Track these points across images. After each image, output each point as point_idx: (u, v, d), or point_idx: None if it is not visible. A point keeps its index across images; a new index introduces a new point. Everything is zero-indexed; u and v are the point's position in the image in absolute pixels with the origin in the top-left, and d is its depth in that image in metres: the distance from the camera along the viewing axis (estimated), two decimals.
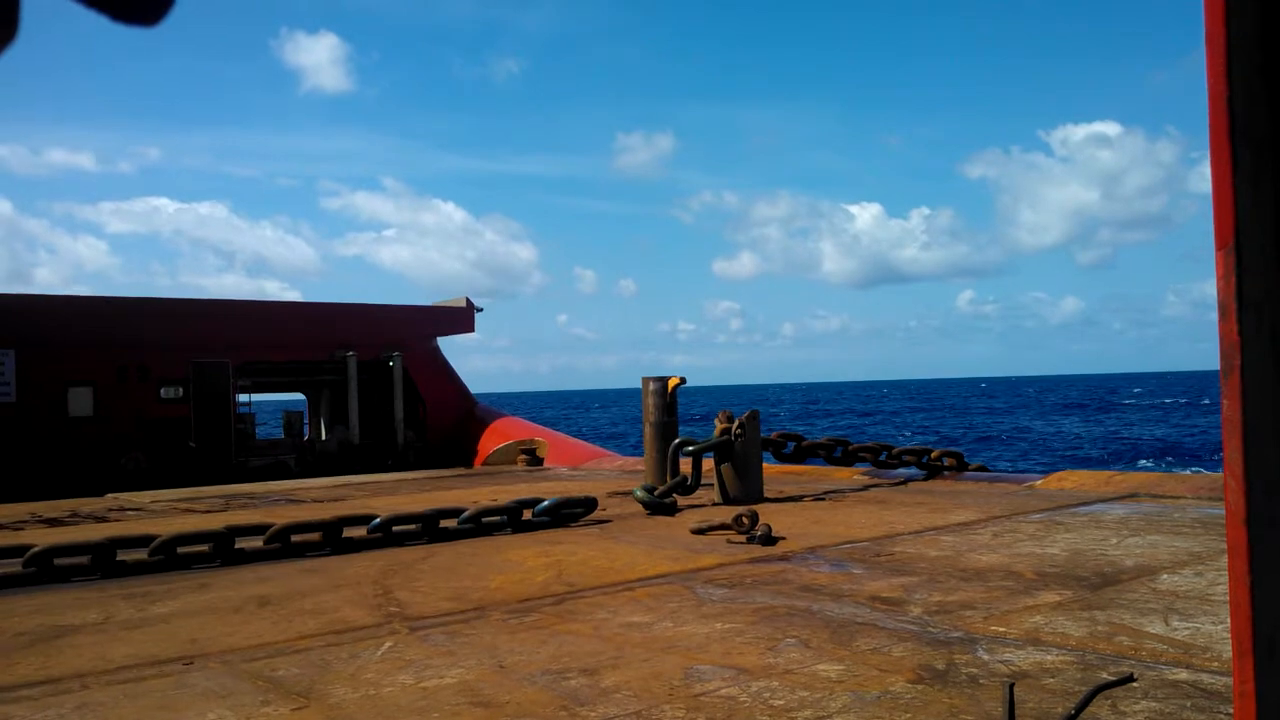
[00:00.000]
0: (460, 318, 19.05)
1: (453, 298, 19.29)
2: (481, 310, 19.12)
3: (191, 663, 4.16)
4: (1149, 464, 39.03)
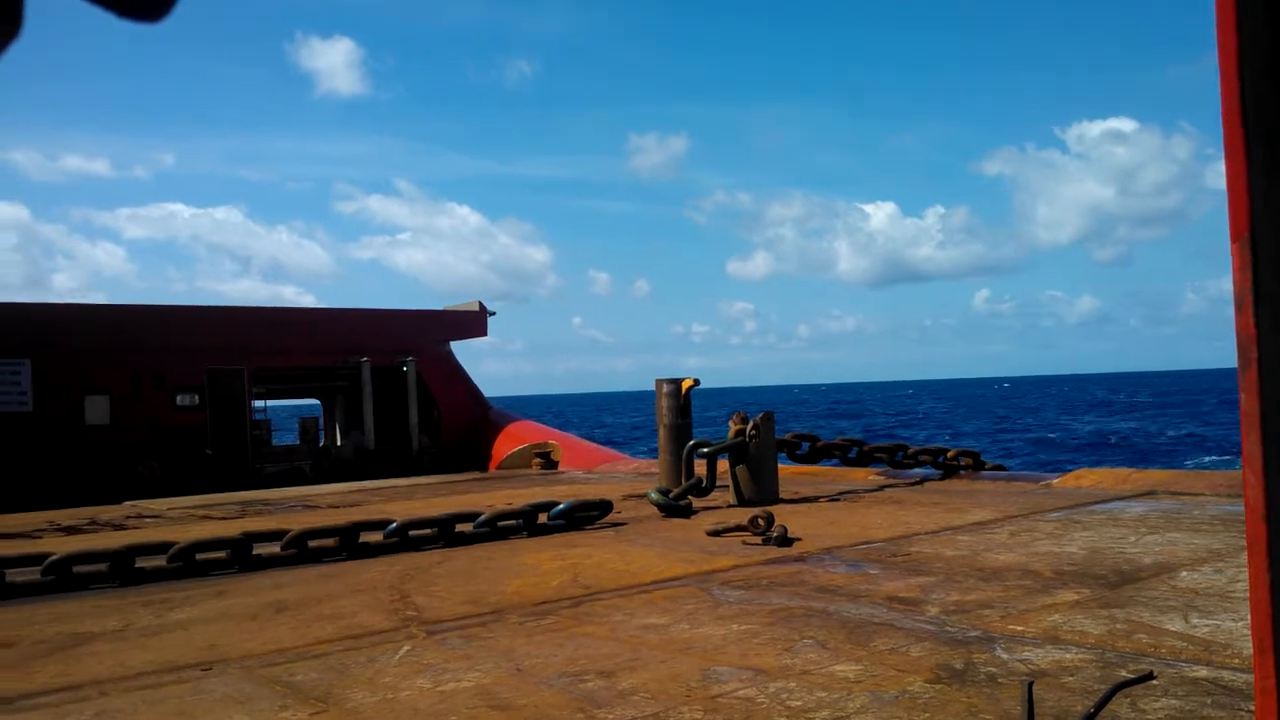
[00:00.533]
0: (473, 322, 19.08)
1: (465, 302, 19.32)
2: (494, 314, 19.15)
3: (210, 669, 4.18)
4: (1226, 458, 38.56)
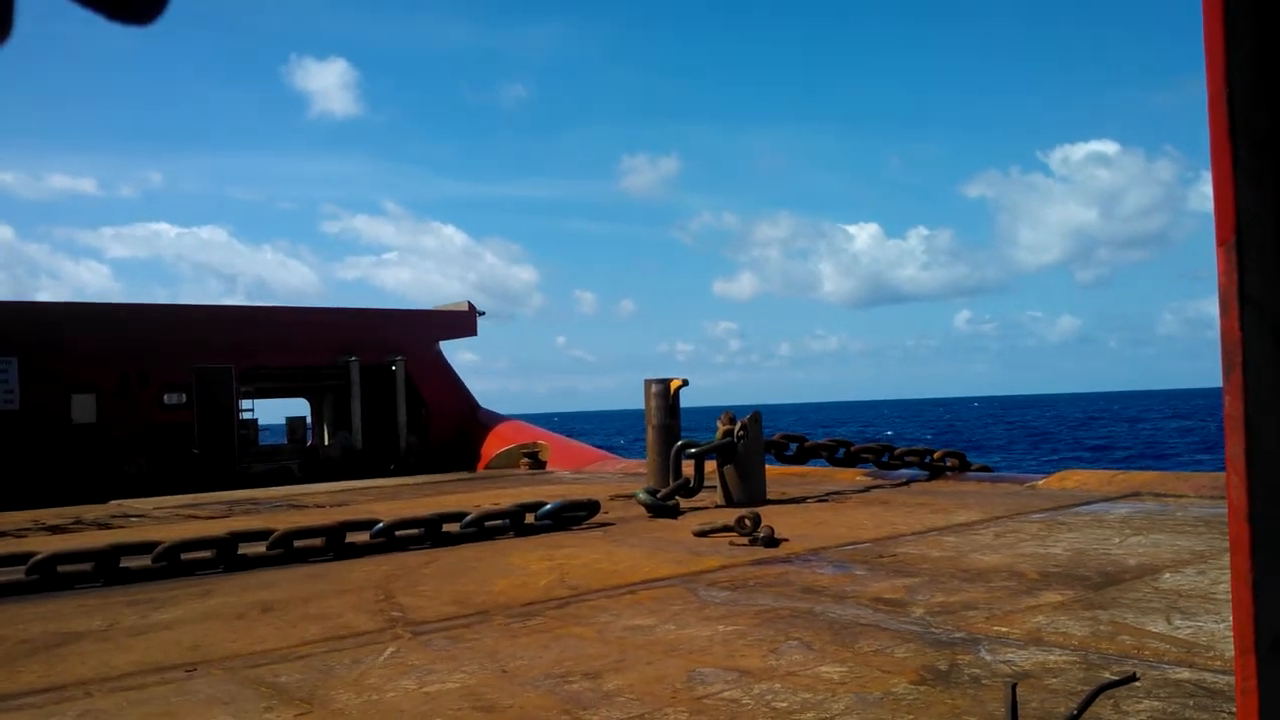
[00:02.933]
0: (462, 321, 19.04)
1: (454, 302, 19.27)
2: (484, 314, 19.11)
3: (194, 669, 4.16)
4: None
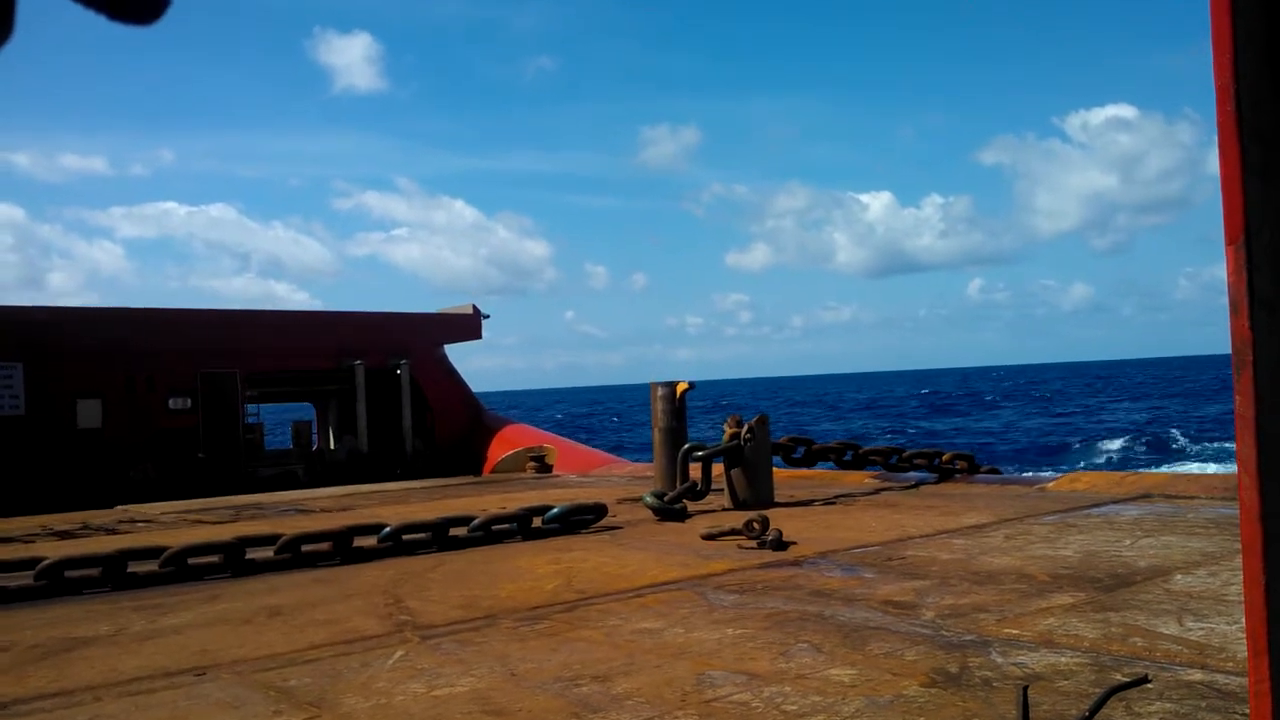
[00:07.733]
0: (467, 325, 19.04)
1: (459, 305, 19.25)
2: (488, 317, 19.11)
3: (203, 673, 4.16)
4: None
